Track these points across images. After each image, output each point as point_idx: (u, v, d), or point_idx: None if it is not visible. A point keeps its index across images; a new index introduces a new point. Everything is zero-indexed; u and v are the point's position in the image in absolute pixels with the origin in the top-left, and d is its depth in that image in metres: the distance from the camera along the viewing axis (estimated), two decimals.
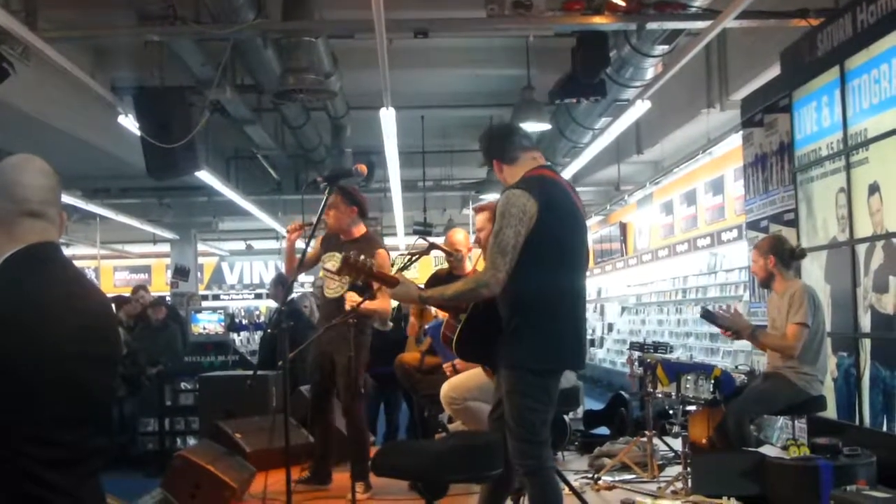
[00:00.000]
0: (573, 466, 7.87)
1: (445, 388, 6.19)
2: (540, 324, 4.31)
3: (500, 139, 4.67)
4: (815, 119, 7.51)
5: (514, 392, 4.31)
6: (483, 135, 4.77)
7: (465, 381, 5.93)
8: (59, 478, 2.28)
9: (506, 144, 4.62)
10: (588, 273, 20.89)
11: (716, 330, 15.12)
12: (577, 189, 17.21)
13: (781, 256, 6.57)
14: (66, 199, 15.41)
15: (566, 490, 5.94)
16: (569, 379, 5.67)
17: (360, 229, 6.89)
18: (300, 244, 6.91)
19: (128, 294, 13.70)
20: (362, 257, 4.53)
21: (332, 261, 6.73)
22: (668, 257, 19.33)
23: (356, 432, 6.79)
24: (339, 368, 6.61)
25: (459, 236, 7.13)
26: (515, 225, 4.20)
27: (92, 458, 2.40)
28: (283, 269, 7.01)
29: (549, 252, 4.32)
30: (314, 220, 6.05)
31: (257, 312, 29.52)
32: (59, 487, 2.28)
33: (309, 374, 7.31)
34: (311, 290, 12.69)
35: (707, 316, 6.99)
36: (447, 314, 4.84)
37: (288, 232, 6.95)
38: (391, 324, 7.90)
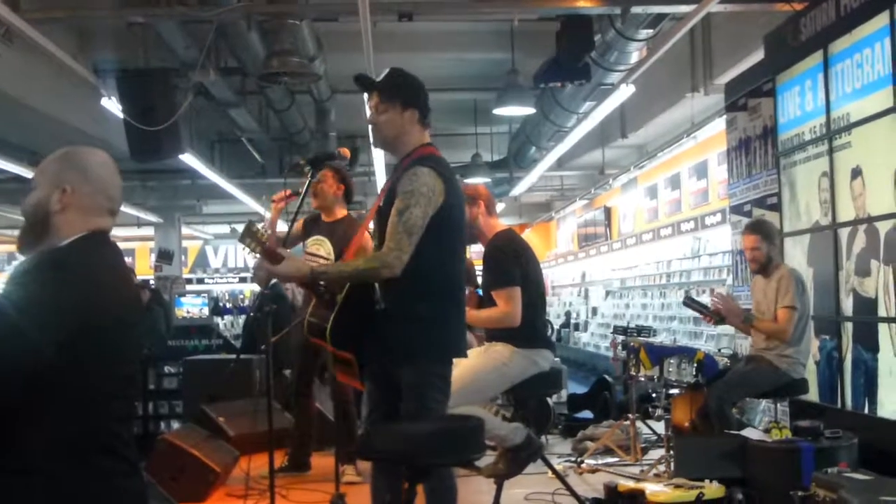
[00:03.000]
0: (556, 450, 7.91)
1: None
2: (449, 314, 4.11)
3: (425, 96, 4.24)
4: (798, 103, 7.53)
5: (424, 385, 4.04)
6: (410, 76, 4.26)
7: None
8: (124, 429, 2.64)
9: (426, 104, 4.23)
10: (573, 257, 20.95)
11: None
12: (562, 173, 17.19)
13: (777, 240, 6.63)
14: None
15: (549, 473, 5.98)
16: (548, 360, 5.67)
17: (342, 211, 6.81)
18: (282, 226, 6.87)
19: None
20: (261, 226, 4.37)
21: (317, 245, 6.66)
22: (653, 241, 19.40)
23: (346, 413, 6.83)
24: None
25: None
26: (424, 205, 3.92)
27: (134, 414, 2.82)
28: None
29: (451, 238, 4.10)
30: (301, 190, 5.94)
31: (241, 296, 29.55)
32: (122, 438, 2.62)
33: (293, 358, 7.30)
34: None
35: (689, 303, 7.01)
36: (312, 296, 4.38)
37: (274, 201, 6.63)
38: None
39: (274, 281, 5.92)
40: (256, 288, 18.34)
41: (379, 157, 14.46)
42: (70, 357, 2.43)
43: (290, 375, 8.00)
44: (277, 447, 5.97)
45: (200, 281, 30.88)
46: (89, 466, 2.50)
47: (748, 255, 6.69)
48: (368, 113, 4.25)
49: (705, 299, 6.90)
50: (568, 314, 26.38)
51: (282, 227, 7.43)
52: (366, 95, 4.52)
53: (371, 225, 4.40)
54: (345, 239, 6.32)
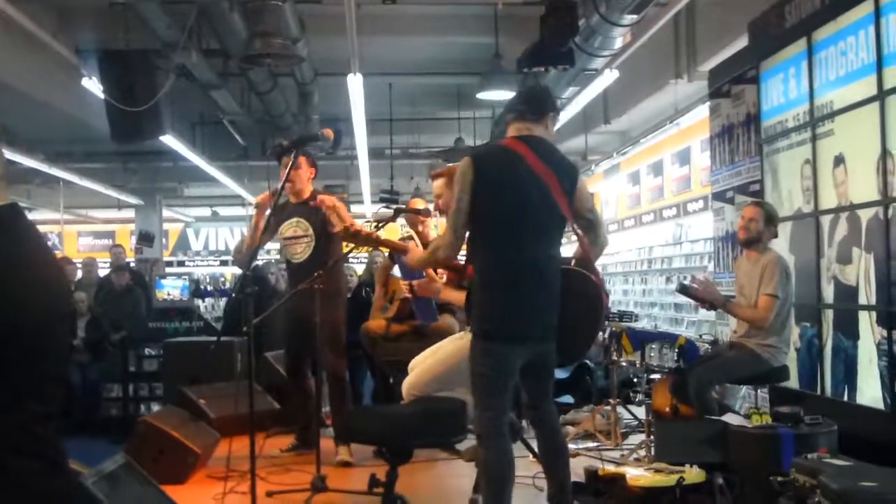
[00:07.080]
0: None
1: (406, 387, 6.10)
2: (493, 297, 4.41)
3: (504, 112, 4.85)
4: (781, 91, 7.53)
5: (472, 356, 4.44)
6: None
7: (421, 376, 5.77)
8: (45, 431, 2.40)
9: (504, 117, 4.75)
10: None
11: (680, 300, 15.31)
12: None
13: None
14: (29, 162, 15.24)
15: (530, 457, 5.98)
16: None
17: (309, 191, 7.02)
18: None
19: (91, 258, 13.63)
20: (363, 225, 4.83)
21: (293, 228, 6.85)
22: (635, 227, 19.42)
23: (342, 392, 6.88)
24: (322, 329, 6.21)
25: (419, 206, 7.06)
26: (459, 190, 4.38)
27: (58, 412, 2.51)
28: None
29: (490, 222, 4.41)
30: (280, 179, 6.21)
31: (222, 279, 29.41)
32: (45, 439, 2.40)
33: (284, 343, 7.32)
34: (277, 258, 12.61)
35: (683, 291, 7.00)
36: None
37: (259, 206, 6.84)
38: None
39: (255, 264, 5.95)
40: (237, 271, 18.27)
41: (362, 141, 14.41)
42: None
43: (272, 358, 8.01)
44: (259, 429, 5.95)
45: (181, 263, 30.72)
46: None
47: (742, 223, 6.59)
48: None
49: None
50: None
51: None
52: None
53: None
54: (319, 213, 6.71)
